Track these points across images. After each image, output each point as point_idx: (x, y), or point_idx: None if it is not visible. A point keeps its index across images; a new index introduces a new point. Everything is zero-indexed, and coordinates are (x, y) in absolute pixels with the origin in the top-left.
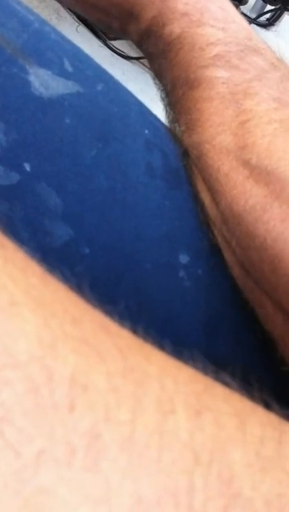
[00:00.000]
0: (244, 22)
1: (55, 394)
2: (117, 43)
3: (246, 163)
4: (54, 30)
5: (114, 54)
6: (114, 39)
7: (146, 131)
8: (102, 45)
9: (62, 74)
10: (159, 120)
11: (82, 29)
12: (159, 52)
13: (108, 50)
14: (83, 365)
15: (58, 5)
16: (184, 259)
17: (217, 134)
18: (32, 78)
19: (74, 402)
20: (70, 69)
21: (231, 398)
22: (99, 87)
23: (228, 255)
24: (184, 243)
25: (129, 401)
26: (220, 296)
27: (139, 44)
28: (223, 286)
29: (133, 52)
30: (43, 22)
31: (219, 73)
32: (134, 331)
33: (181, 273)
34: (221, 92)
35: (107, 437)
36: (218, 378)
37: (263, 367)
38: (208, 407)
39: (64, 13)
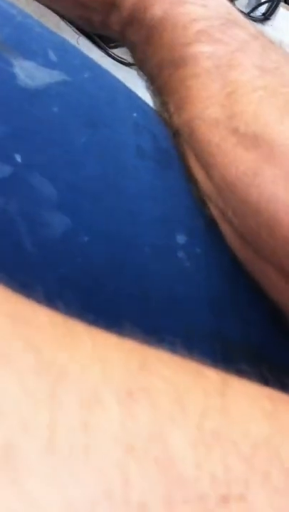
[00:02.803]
0: None
1: None
2: (117, 51)
3: (235, 132)
4: (38, 22)
5: (116, 62)
6: (115, 47)
7: (135, 115)
8: (103, 54)
9: (47, 64)
10: (146, 104)
11: (83, 40)
12: (143, 38)
13: (109, 58)
14: None
15: (57, 18)
16: (181, 239)
17: (206, 108)
18: (17, 70)
19: None
20: (54, 59)
21: (169, 371)
22: (85, 75)
23: (225, 228)
24: (180, 223)
25: (47, 403)
26: (221, 274)
27: (121, 34)
28: (223, 263)
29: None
30: (27, 15)
31: (203, 48)
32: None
33: (180, 254)
34: (206, 66)
35: (25, 447)
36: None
37: (274, 341)
38: (142, 388)
39: (64, 26)
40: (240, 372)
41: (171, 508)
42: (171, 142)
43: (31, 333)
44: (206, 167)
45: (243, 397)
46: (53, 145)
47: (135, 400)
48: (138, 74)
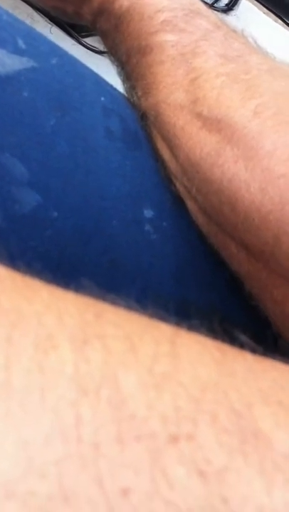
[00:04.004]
0: None
1: None
2: (89, 40)
3: (199, 115)
4: (6, 11)
5: (88, 50)
6: (87, 36)
7: (103, 99)
8: (75, 43)
9: (17, 51)
10: (115, 88)
11: (56, 30)
12: (112, 27)
13: (82, 47)
14: None
15: (31, 10)
16: (148, 213)
17: (171, 92)
18: None
19: None
20: (23, 46)
21: (123, 322)
22: (53, 61)
23: (190, 204)
24: (147, 199)
25: (3, 346)
26: (186, 245)
27: (93, 24)
28: (188, 235)
29: (104, 47)
30: None
31: (168, 37)
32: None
33: (147, 227)
34: (171, 54)
35: None
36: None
37: (234, 307)
38: (97, 335)
39: (37, 17)
40: (192, 328)
41: (122, 445)
42: (139, 124)
43: None
44: (172, 148)
45: (193, 345)
46: (23, 127)
47: (89, 345)
48: (110, 60)
